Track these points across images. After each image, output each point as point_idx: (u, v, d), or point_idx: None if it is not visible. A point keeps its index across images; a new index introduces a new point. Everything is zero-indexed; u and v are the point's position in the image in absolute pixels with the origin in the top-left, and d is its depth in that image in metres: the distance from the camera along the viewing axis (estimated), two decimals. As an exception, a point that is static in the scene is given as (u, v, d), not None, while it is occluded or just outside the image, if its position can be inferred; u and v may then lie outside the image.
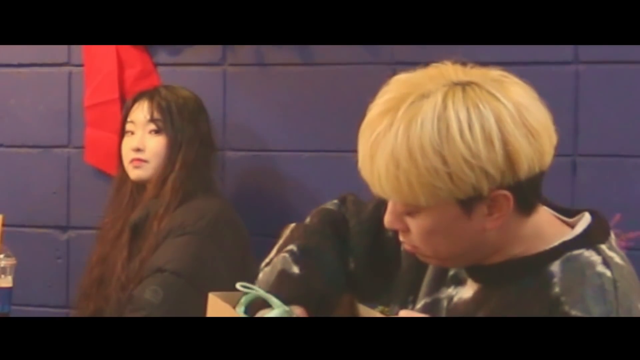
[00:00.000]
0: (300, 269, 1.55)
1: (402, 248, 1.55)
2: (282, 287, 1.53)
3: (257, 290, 1.51)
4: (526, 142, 1.31)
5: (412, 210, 1.36)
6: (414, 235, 1.38)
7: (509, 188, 1.32)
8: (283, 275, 1.55)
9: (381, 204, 1.48)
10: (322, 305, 1.54)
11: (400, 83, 1.36)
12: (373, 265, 1.59)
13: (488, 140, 1.29)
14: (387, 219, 1.40)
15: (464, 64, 1.37)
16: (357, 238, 1.60)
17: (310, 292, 1.53)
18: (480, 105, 1.30)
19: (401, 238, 1.42)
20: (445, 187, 1.30)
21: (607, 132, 2.49)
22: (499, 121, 1.30)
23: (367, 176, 1.36)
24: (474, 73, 1.35)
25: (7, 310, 2.24)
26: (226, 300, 1.53)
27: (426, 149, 1.29)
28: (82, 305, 2.59)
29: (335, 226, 1.62)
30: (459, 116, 1.29)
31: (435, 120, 1.29)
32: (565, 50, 2.48)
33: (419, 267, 1.52)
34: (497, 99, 1.31)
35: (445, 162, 1.29)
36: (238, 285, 1.52)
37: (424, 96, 1.32)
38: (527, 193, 1.35)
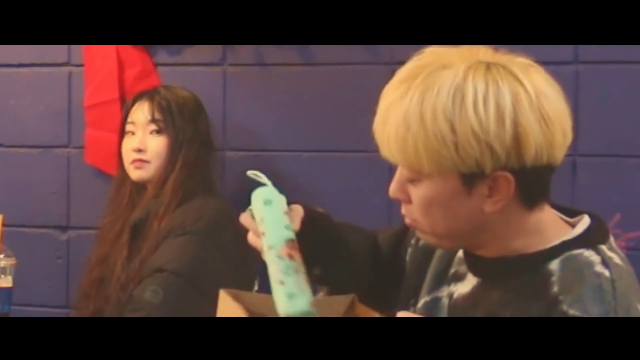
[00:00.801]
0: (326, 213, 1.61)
1: (407, 258, 1.59)
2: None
3: (261, 177, 1.56)
4: (538, 128, 1.32)
5: (415, 177, 1.37)
6: (414, 206, 1.39)
7: (512, 172, 1.33)
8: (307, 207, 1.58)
9: (403, 229, 1.58)
10: (336, 251, 1.58)
11: (428, 53, 1.38)
12: (386, 275, 1.63)
13: (500, 117, 1.30)
14: (392, 188, 1.41)
15: (495, 49, 1.40)
16: (380, 247, 1.66)
17: (328, 229, 1.58)
18: (500, 83, 1.32)
19: (403, 211, 1.43)
20: (449, 156, 1.31)
21: (607, 132, 2.49)
22: (514, 101, 1.31)
23: (379, 137, 1.37)
24: (503, 57, 1.37)
25: (7, 310, 2.24)
26: (237, 298, 1.54)
27: (437, 114, 1.31)
28: (82, 306, 2.59)
29: (365, 232, 1.69)
30: (477, 89, 1.31)
31: (452, 90, 1.31)
32: (565, 50, 2.48)
33: (421, 272, 1.54)
34: (518, 81, 1.33)
35: (453, 130, 1.30)
36: (249, 172, 1.57)
37: (446, 67, 1.34)
38: (531, 183, 1.35)
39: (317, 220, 1.56)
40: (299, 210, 1.54)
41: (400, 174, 1.40)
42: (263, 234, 1.49)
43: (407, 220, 1.43)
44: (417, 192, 1.37)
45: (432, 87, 1.32)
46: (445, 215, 1.37)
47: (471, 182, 1.34)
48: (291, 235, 1.49)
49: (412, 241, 1.60)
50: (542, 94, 1.34)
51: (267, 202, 1.53)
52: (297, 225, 1.51)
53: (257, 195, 1.54)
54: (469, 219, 1.37)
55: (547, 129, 1.33)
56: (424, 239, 1.45)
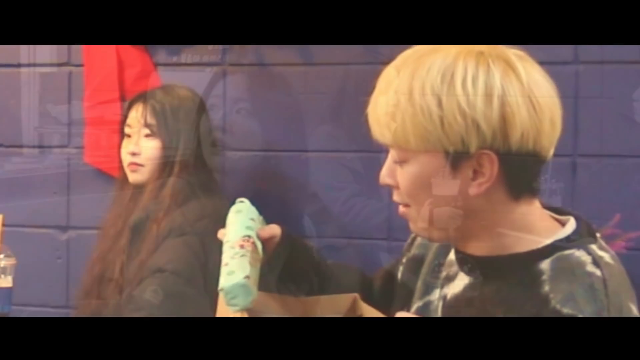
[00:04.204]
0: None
1: (399, 275, 1.61)
2: None
3: (245, 202, 1.67)
4: (525, 111, 1.33)
5: (403, 159, 1.38)
6: (402, 189, 1.40)
7: (497, 154, 1.33)
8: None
9: (394, 262, 1.63)
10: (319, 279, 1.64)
11: (421, 46, 1.41)
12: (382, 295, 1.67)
13: (488, 95, 1.32)
14: (381, 174, 1.43)
15: None
16: (373, 280, 1.72)
17: (307, 254, 1.65)
18: (492, 65, 1.34)
19: (394, 197, 1.43)
20: (435, 131, 1.33)
21: (607, 132, 2.49)
22: (504, 82, 1.33)
23: (371, 118, 1.40)
24: (497, 47, 1.39)
25: (7, 310, 2.24)
26: None
27: (426, 89, 1.33)
28: (82, 303, 2.59)
29: (360, 272, 1.76)
30: (467, 68, 1.33)
31: (443, 68, 1.34)
32: (565, 50, 2.48)
33: (412, 280, 1.56)
34: (511, 66, 1.35)
35: (440, 105, 1.32)
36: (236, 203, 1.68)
37: (438, 51, 1.36)
38: (516, 170, 1.35)
39: (297, 244, 1.64)
40: (273, 227, 1.62)
41: (389, 158, 1.41)
42: (226, 234, 1.59)
43: (400, 209, 1.43)
44: (404, 172, 1.38)
45: (424, 66, 1.35)
46: (431, 198, 1.37)
47: (456, 163, 1.34)
48: (249, 233, 1.58)
49: (404, 259, 1.61)
50: (534, 80, 1.35)
51: (238, 212, 1.64)
52: (264, 233, 1.60)
53: (232, 208, 1.66)
54: (454, 203, 1.37)
55: (535, 114, 1.34)
56: (415, 230, 1.45)
